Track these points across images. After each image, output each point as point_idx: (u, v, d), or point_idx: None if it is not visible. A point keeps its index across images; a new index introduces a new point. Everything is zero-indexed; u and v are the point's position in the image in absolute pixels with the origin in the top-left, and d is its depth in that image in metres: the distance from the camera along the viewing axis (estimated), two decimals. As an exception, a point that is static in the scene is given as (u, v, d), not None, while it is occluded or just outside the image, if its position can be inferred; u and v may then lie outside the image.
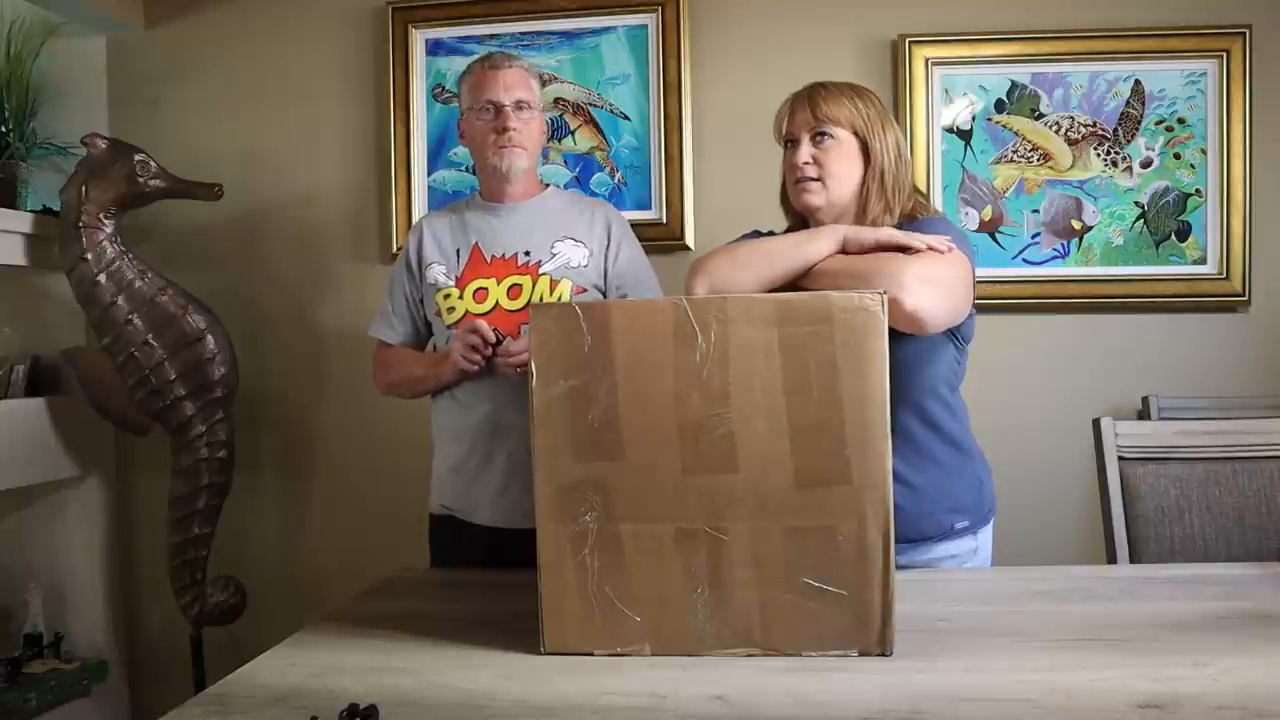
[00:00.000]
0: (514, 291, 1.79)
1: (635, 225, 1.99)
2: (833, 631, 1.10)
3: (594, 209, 1.91)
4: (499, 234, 1.84)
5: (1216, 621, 1.20)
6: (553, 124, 2.48)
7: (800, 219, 1.61)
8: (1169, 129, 2.36)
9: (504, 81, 1.81)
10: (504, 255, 1.82)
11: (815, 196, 1.52)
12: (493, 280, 1.80)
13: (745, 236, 1.62)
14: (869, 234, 1.43)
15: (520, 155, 1.82)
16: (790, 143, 1.56)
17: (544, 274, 1.80)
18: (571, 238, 1.84)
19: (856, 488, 1.09)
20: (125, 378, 2.35)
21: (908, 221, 1.52)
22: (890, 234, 1.42)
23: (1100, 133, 2.37)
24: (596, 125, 2.50)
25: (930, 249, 1.39)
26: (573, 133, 2.50)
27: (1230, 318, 2.36)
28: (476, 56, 1.92)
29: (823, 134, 1.52)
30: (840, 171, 1.51)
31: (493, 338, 1.70)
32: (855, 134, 1.51)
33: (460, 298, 1.80)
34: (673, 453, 1.11)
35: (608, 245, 1.85)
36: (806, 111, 1.53)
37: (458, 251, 1.84)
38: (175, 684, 2.48)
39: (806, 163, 1.52)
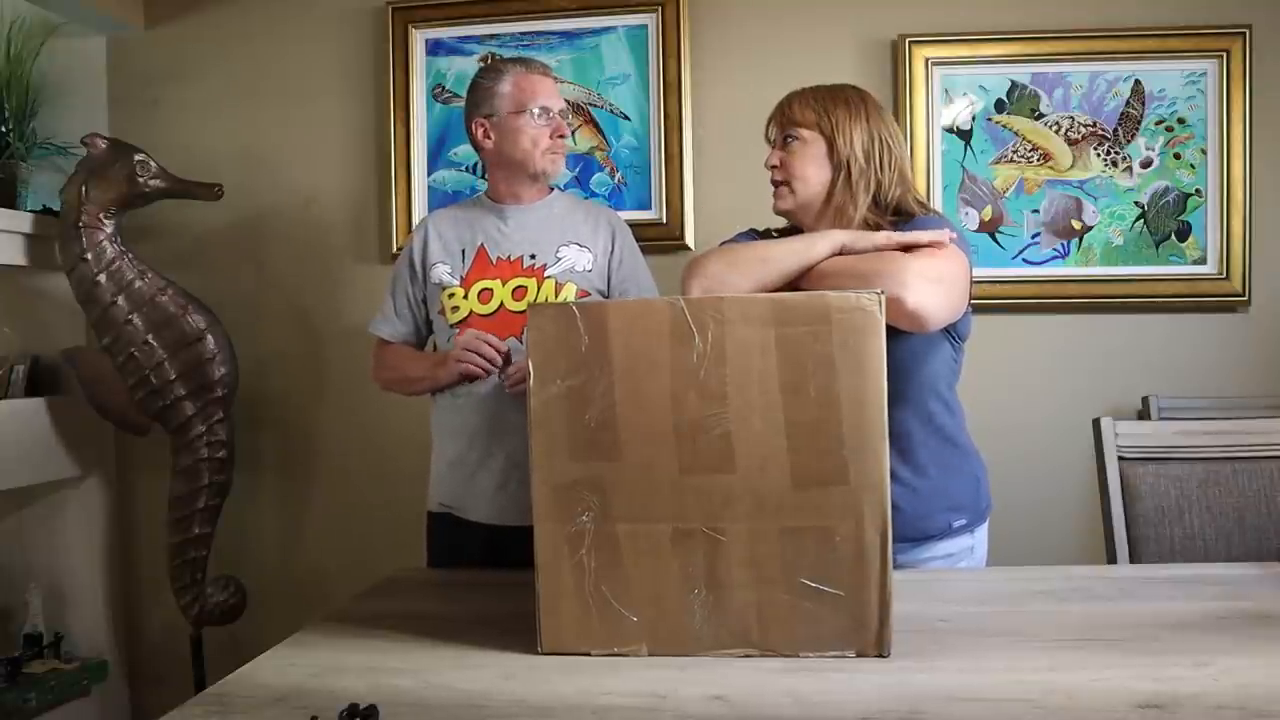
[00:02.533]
0: (519, 293, 1.80)
1: (635, 225, 1.99)
2: (830, 632, 1.09)
3: (598, 214, 1.92)
4: (505, 236, 1.84)
5: (1216, 621, 1.20)
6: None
7: None
8: (1169, 129, 2.36)
9: (551, 88, 1.84)
10: (509, 257, 1.82)
11: (783, 201, 1.54)
12: (498, 281, 1.81)
13: (740, 235, 1.62)
14: (867, 239, 1.42)
15: (563, 162, 1.87)
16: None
17: (549, 277, 1.80)
18: (577, 242, 1.84)
19: (854, 488, 1.09)
20: (125, 378, 2.35)
21: (905, 221, 1.51)
22: (890, 238, 1.42)
23: (1100, 133, 2.37)
24: (596, 125, 2.50)
25: (932, 243, 1.39)
26: (573, 133, 2.50)
27: (1230, 318, 2.36)
28: (506, 60, 1.88)
29: (790, 137, 1.53)
30: (806, 174, 1.51)
31: (508, 354, 1.73)
32: (821, 134, 1.51)
33: (465, 298, 1.81)
34: (670, 453, 1.11)
35: (611, 250, 1.87)
36: (779, 116, 1.56)
37: (463, 252, 1.85)
38: (175, 684, 2.48)
39: (774, 166, 1.54)
